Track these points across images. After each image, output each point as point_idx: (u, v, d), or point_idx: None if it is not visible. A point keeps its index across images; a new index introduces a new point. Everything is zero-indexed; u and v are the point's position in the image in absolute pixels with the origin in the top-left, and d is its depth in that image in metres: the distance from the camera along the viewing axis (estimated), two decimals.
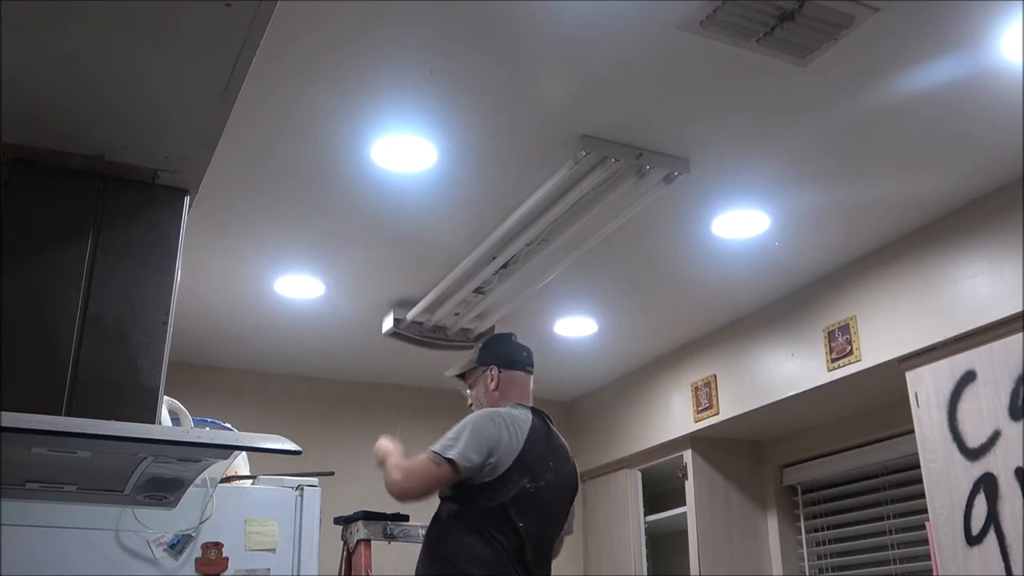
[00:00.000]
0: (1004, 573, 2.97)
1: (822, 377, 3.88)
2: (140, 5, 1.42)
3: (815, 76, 2.64)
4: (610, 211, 3.29)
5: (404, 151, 3.02)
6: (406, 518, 3.38)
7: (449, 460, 2.53)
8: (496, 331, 4.47)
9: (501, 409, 2.73)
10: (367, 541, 3.32)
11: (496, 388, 2.83)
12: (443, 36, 2.49)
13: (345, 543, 3.44)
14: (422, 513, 2.84)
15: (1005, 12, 2.38)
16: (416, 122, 2.87)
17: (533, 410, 2.78)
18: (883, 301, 3.65)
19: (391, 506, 3.07)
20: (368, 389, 5.37)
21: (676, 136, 2.96)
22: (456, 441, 2.57)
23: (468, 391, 2.93)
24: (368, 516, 3.35)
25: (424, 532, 2.73)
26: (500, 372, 2.85)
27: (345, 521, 3.46)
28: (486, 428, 2.61)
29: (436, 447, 2.57)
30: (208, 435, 1.63)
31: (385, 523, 3.35)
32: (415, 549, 2.71)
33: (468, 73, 2.65)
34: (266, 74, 2.56)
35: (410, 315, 4.23)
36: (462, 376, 2.97)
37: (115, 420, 1.55)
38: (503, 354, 2.90)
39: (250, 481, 2.63)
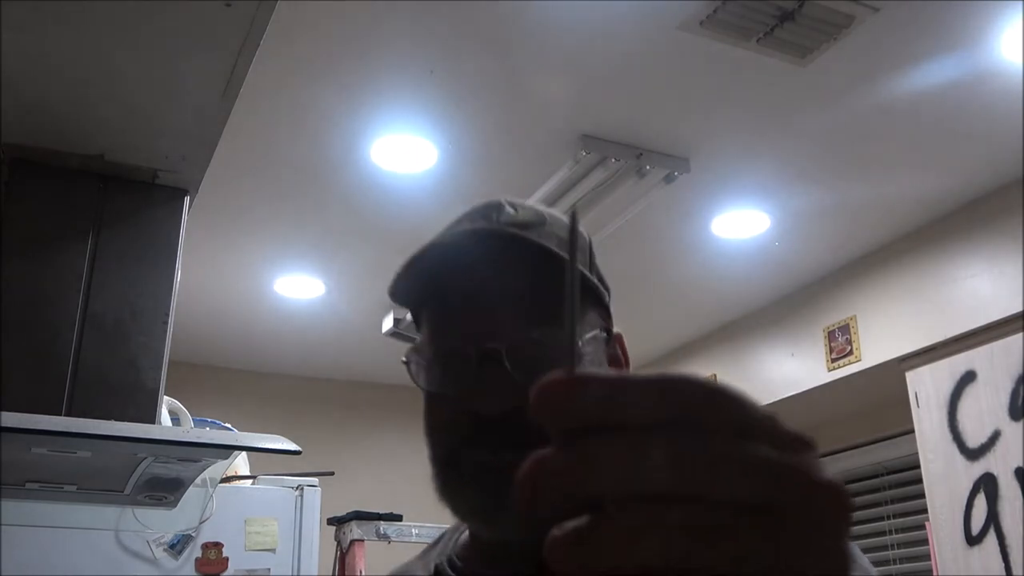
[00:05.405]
0: (1004, 573, 2.96)
1: (822, 377, 3.87)
2: (140, 5, 1.42)
3: (815, 76, 2.64)
4: (610, 211, 3.29)
5: (404, 151, 3.02)
6: (399, 518, 3.36)
7: None
8: None
9: None
10: (360, 541, 3.31)
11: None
12: (443, 36, 2.49)
13: (339, 544, 3.43)
14: (420, 512, 2.83)
15: (1005, 12, 2.38)
16: (416, 122, 2.87)
17: None
18: (883, 301, 3.65)
19: (386, 506, 3.06)
20: (368, 389, 5.37)
21: (676, 136, 2.96)
22: None
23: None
24: (361, 516, 3.33)
25: (417, 531, 2.68)
26: None
27: (338, 522, 3.45)
28: None
29: None
30: (208, 435, 1.64)
31: (378, 523, 3.33)
32: (413, 549, 2.68)
33: (468, 73, 2.65)
34: (266, 74, 2.56)
35: (410, 315, 4.22)
36: None
37: (115, 420, 1.55)
38: None
39: (250, 481, 2.63)
